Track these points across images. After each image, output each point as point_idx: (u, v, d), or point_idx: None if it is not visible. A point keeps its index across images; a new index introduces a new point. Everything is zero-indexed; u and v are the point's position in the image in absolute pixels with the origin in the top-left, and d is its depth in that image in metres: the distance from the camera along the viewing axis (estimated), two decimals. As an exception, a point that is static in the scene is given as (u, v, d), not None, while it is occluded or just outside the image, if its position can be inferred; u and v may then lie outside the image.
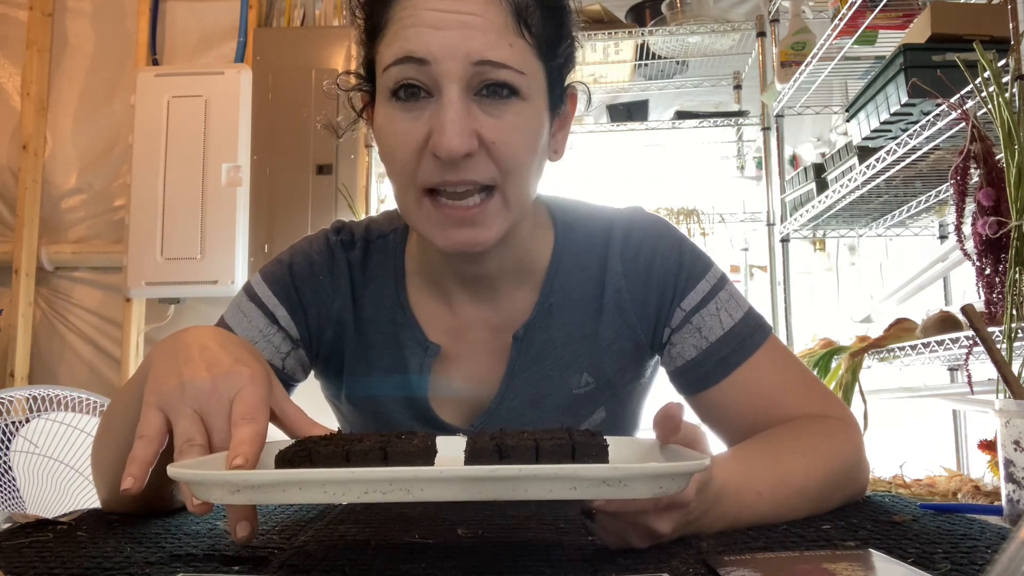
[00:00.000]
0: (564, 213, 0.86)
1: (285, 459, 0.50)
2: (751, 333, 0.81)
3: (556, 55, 0.74)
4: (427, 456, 0.51)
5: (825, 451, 0.73)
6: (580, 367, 0.83)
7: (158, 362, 0.60)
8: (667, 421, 0.54)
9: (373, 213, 2.66)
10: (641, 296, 0.82)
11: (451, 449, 0.56)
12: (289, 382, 0.85)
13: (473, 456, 0.50)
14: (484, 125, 0.69)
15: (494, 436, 0.53)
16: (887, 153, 1.67)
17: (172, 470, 0.49)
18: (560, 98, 0.77)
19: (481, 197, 0.71)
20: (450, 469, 0.46)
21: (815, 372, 1.94)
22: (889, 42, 2.02)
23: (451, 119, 0.67)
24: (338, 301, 0.84)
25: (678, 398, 0.83)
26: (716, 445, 0.70)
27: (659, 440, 0.55)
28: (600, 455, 0.50)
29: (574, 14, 0.77)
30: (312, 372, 0.90)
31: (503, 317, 0.83)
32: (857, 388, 1.77)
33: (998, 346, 1.06)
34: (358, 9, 0.75)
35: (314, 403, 0.81)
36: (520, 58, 0.69)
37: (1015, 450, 0.64)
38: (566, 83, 0.78)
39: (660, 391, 0.89)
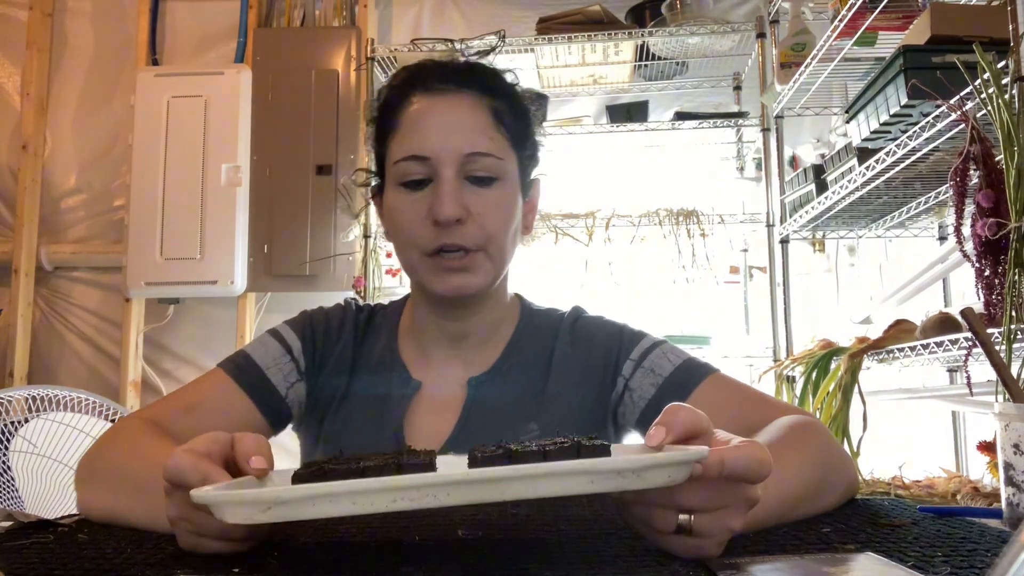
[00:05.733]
0: (528, 303, 1.06)
1: (301, 479, 0.51)
2: (700, 365, 0.93)
3: (525, 147, 0.95)
4: (434, 468, 0.52)
5: (807, 429, 0.77)
6: (527, 417, 0.95)
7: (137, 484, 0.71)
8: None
9: (372, 214, 2.66)
10: (583, 361, 0.98)
11: (450, 467, 0.56)
12: (285, 411, 0.97)
13: (484, 462, 0.51)
14: (471, 201, 0.88)
15: (498, 445, 0.54)
16: (887, 154, 1.67)
17: (197, 493, 0.49)
18: (529, 186, 0.97)
19: (470, 253, 0.89)
20: (477, 471, 0.49)
21: (814, 374, 1.94)
22: (889, 43, 2.02)
23: (447, 192, 0.86)
24: (342, 342, 1.00)
25: None
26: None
27: (653, 438, 0.55)
28: (604, 453, 0.51)
29: (538, 122, 0.97)
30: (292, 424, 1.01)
31: (469, 369, 0.98)
32: (856, 389, 1.77)
33: (997, 348, 1.06)
34: (373, 115, 0.96)
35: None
36: (498, 147, 0.90)
37: (1015, 453, 0.64)
38: (533, 176, 0.98)
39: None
